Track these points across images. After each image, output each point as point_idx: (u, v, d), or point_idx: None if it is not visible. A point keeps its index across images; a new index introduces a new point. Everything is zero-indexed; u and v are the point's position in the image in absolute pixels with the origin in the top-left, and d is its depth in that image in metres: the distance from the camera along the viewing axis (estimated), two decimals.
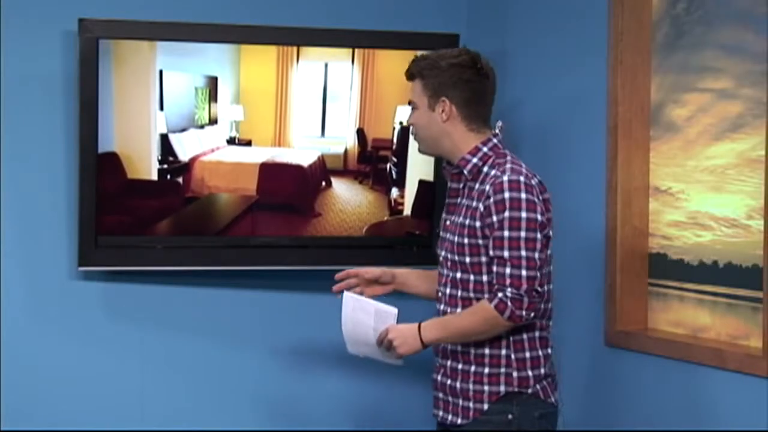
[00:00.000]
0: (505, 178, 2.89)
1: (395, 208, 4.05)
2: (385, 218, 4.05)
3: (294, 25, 3.91)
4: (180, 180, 3.86)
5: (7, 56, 3.79)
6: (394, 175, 4.03)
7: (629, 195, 3.55)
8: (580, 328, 3.63)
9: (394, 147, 4.01)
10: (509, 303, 2.85)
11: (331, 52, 3.94)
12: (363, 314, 3.05)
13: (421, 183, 4.03)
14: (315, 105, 3.96)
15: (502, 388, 2.95)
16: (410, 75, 3.06)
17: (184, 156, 3.86)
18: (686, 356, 3.31)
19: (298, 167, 3.96)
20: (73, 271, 3.85)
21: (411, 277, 3.27)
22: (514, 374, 2.95)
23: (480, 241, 2.93)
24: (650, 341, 3.46)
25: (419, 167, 4.01)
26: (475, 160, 2.99)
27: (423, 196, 4.05)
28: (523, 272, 2.86)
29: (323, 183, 4.00)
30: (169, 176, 3.85)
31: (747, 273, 3.21)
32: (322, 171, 3.99)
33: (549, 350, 3.01)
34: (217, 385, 4.04)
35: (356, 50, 3.94)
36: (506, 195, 2.87)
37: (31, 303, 3.86)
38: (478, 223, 2.93)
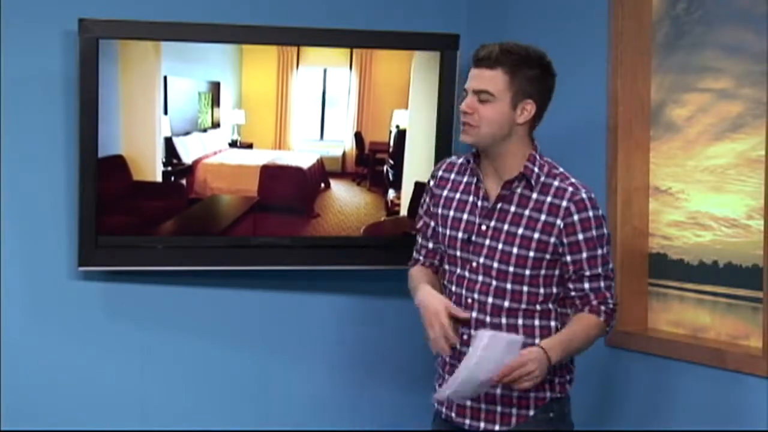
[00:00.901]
0: (584, 195, 2.91)
1: (392, 209, 4.06)
2: (382, 219, 4.06)
3: (294, 25, 3.91)
4: (183, 182, 3.88)
5: (7, 56, 3.79)
6: (391, 177, 4.04)
7: (629, 195, 3.55)
8: None
9: (390, 150, 4.03)
10: (612, 315, 2.97)
11: (330, 58, 3.94)
12: (494, 351, 2.78)
13: (417, 184, 4.03)
14: (314, 109, 3.97)
15: (548, 395, 2.96)
16: (490, 63, 2.88)
17: (187, 159, 3.87)
18: (686, 356, 3.31)
19: (298, 169, 3.97)
20: (73, 271, 3.85)
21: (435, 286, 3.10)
22: (556, 380, 2.97)
23: (547, 256, 2.92)
24: (650, 341, 3.45)
25: (415, 169, 4.02)
26: (536, 169, 2.94)
27: (419, 196, 4.03)
28: (612, 283, 2.97)
29: (322, 185, 4.02)
30: (173, 178, 3.86)
31: (747, 273, 3.21)
32: (321, 173, 4.01)
33: None
34: (217, 385, 4.04)
35: (354, 56, 3.95)
36: (590, 213, 2.91)
37: (31, 303, 3.86)
38: (552, 239, 2.90)
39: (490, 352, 2.75)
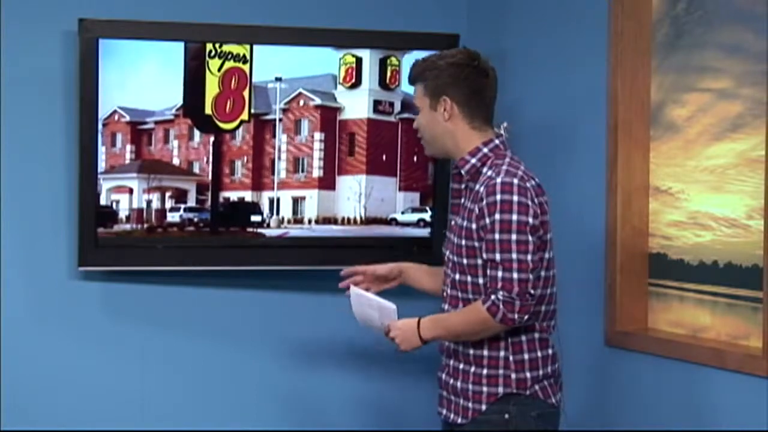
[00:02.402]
0: (498, 180, 2.88)
1: None
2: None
3: (294, 25, 3.91)
4: None
5: (7, 56, 3.79)
6: None
7: (629, 195, 3.55)
8: (580, 328, 3.62)
9: None
10: (501, 306, 2.84)
11: None
12: (369, 309, 3.09)
13: None
14: None
15: (500, 390, 2.94)
16: (411, 79, 3.07)
17: None
18: (686, 356, 3.31)
19: None
20: (73, 271, 3.85)
21: (419, 273, 3.28)
22: (512, 376, 2.95)
23: (476, 244, 2.92)
24: (650, 341, 3.45)
25: None
26: (473, 160, 2.98)
27: None
28: (515, 275, 2.85)
29: None
30: None
31: (747, 273, 3.21)
32: None
33: (550, 351, 2.99)
34: (216, 385, 4.04)
35: None
36: (498, 197, 2.86)
37: (31, 303, 3.86)
38: (474, 225, 2.92)
39: (365, 309, 3.09)
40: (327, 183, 4.02)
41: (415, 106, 3.08)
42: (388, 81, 4.02)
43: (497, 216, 2.86)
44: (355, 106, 4.02)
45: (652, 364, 3.43)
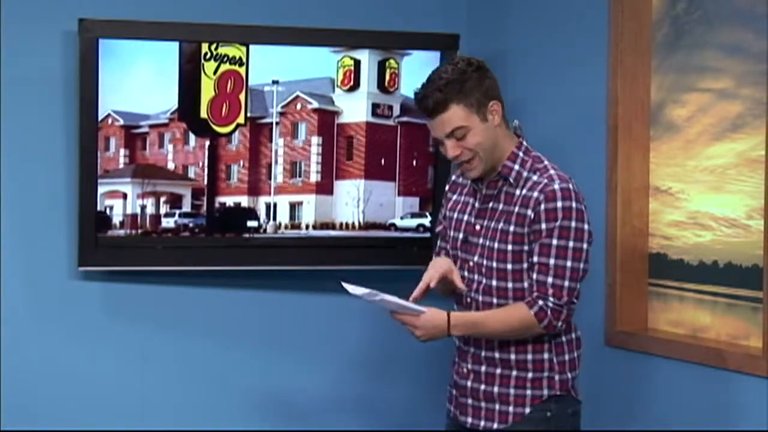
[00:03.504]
0: (557, 186, 2.85)
1: None
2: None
3: (294, 25, 3.91)
4: None
5: (7, 56, 3.79)
6: None
7: (629, 195, 3.55)
8: (580, 328, 3.62)
9: None
10: (549, 313, 2.84)
11: None
12: (388, 305, 2.92)
13: None
14: None
15: (545, 392, 2.93)
16: (441, 107, 2.86)
17: None
18: (686, 356, 3.31)
19: None
20: (73, 271, 3.85)
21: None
22: (556, 377, 2.94)
23: (525, 248, 2.89)
24: (650, 341, 3.46)
25: None
26: (517, 167, 2.92)
27: None
28: (566, 283, 2.84)
29: None
30: None
31: (747, 273, 3.21)
32: None
33: (581, 350, 3.00)
34: (217, 385, 4.04)
35: None
36: (558, 204, 2.84)
37: (31, 303, 3.86)
38: (525, 230, 2.88)
39: (382, 303, 2.86)
40: (325, 188, 4.00)
41: (458, 130, 2.87)
42: (386, 84, 4.01)
43: (558, 222, 2.84)
44: (354, 109, 4.00)
45: (652, 364, 3.43)
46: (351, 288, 2.90)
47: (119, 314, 3.95)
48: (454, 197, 3.09)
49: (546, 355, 2.93)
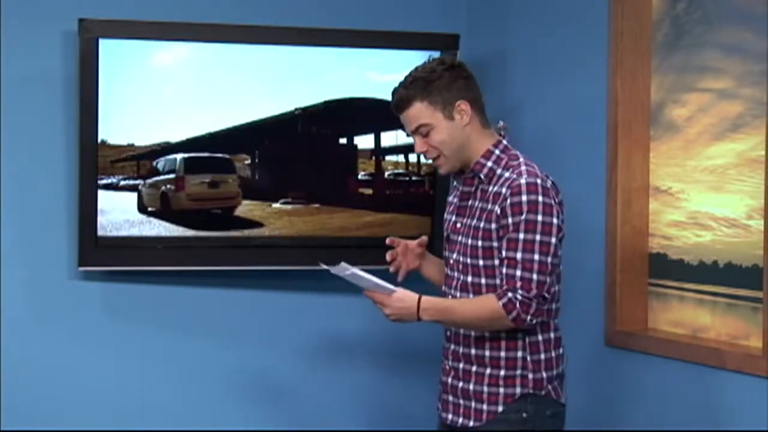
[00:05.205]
0: (523, 180, 2.86)
1: None
2: None
3: (294, 25, 3.91)
4: None
5: (7, 56, 3.79)
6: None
7: (629, 195, 3.55)
8: (580, 328, 3.63)
9: None
10: (517, 305, 2.83)
11: None
12: (361, 283, 2.98)
13: None
14: None
15: (518, 390, 2.93)
16: (404, 104, 2.94)
17: None
18: (686, 356, 3.31)
19: None
20: (73, 271, 3.85)
21: (433, 264, 3.19)
22: (530, 376, 2.93)
23: (494, 244, 2.90)
24: (650, 341, 3.46)
25: None
26: (490, 164, 2.95)
27: None
28: (534, 276, 2.84)
29: None
30: None
31: (747, 273, 3.21)
32: None
33: (561, 350, 2.99)
34: (216, 385, 4.04)
35: None
36: (524, 198, 2.84)
37: (31, 303, 3.86)
38: (493, 226, 2.89)
39: (355, 279, 2.95)
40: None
41: (422, 128, 2.94)
42: None
43: (523, 216, 2.84)
44: None
45: (652, 364, 3.43)
46: (331, 268, 2.96)
47: (119, 314, 3.95)
48: (449, 199, 3.12)
49: (519, 353, 2.93)
